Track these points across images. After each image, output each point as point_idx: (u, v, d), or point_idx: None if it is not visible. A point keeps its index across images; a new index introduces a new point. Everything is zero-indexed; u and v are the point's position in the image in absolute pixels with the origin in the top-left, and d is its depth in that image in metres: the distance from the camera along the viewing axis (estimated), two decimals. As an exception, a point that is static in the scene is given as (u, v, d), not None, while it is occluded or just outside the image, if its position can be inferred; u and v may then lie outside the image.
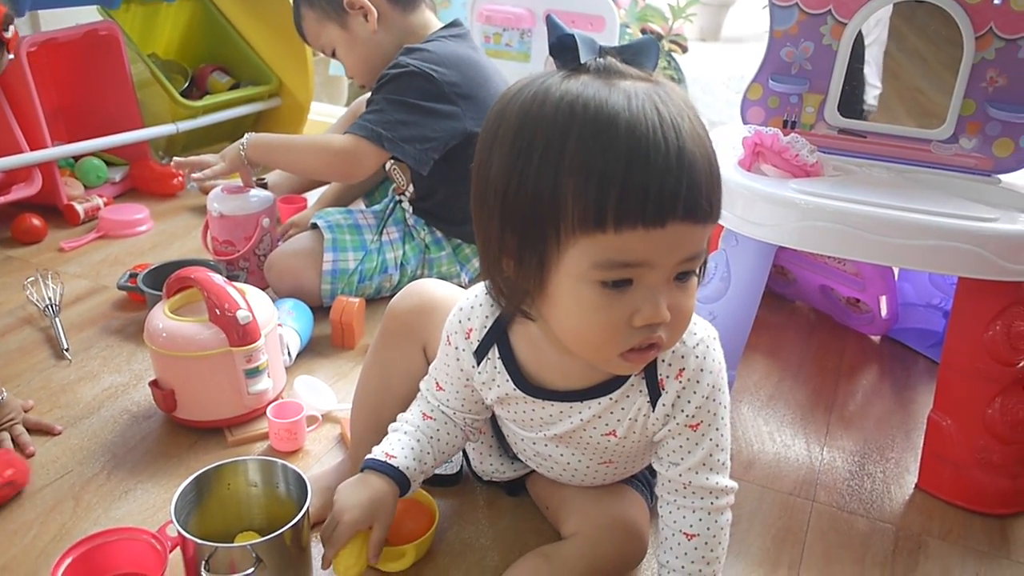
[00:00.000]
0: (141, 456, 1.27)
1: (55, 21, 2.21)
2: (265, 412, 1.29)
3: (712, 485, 0.95)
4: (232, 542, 1.02)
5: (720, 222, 1.27)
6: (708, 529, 0.95)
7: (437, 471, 1.19)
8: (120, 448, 1.28)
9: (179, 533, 0.95)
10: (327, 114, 2.73)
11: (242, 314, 1.24)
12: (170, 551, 1.00)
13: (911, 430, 1.46)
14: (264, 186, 1.85)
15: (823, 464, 1.36)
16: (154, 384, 1.31)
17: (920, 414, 1.50)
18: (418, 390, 1.10)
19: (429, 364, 1.09)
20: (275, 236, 1.74)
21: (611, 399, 0.94)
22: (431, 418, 1.06)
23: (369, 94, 1.69)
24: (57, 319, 1.58)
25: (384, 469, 1.01)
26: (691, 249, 0.78)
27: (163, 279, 1.59)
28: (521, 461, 1.14)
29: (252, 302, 1.30)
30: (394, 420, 1.08)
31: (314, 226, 1.69)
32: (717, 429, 0.94)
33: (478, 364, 0.98)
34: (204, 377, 1.27)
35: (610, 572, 1.05)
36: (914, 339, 1.73)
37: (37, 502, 1.17)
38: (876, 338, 1.77)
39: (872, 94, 1.86)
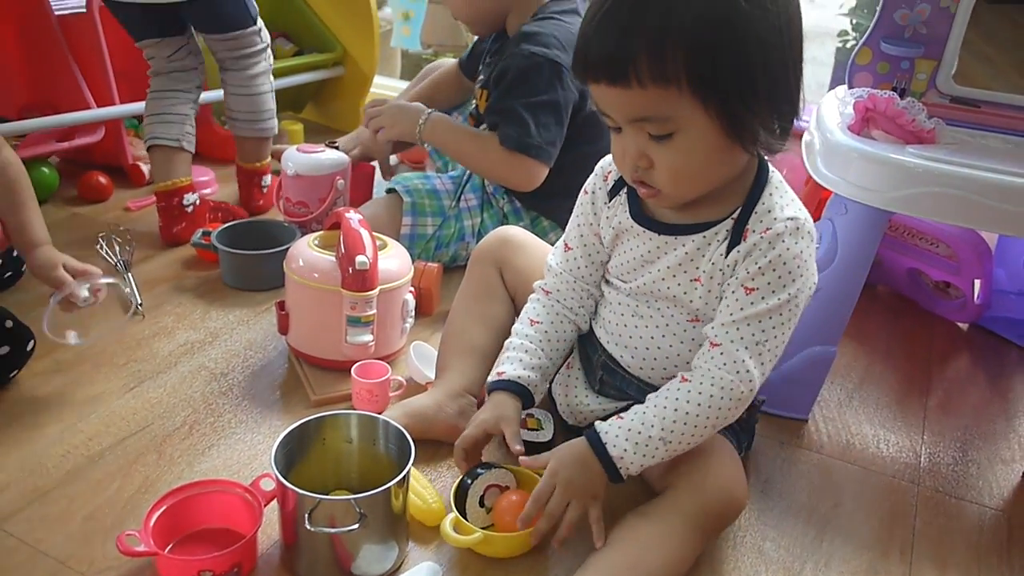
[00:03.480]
0: (222, 412, 1.23)
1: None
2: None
3: (734, 352, 0.96)
4: (328, 498, 0.98)
5: (831, 188, 1.23)
6: (700, 384, 0.96)
7: (530, 439, 1.16)
8: (200, 404, 1.24)
9: (279, 483, 0.91)
10: (383, 86, 2.70)
11: (360, 259, 1.21)
12: (264, 505, 0.96)
13: (1012, 417, 1.40)
14: (336, 148, 1.80)
15: (924, 448, 1.30)
16: (279, 304, 1.35)
17: (1019, 402, 1.45)
18: (496, 316, 1.23)
19: (507, 288, 1.25)
20: (347, 198, 1.70)
21: (703, 237, 0.99)
22: (538, 322, 1.13)
23: (443, 62, 1.64)
24: (129, 275, 1.55)
25: (498, 386, 1.08)
26: (627, 110, 0.90)
27: (238, 238, 1.57)
28: (606, 396, 1.14)
29: (385, 257, 1.30)
30: (473, 338, 1.22)
31: (390, 191, 1.65)
32: (767, 305, 0.95)
33: (610, 200, 1.08)
34: (311, 309, 1.30)
35: (710, 524, 1.00)
36: (1005, 328, 1.66)
37: (119, 453, 1.13)
38: (964, 326, 1.70)
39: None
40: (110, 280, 1.26)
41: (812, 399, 1.33)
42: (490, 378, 1.11)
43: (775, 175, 1.01)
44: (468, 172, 1.72)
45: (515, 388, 1.08)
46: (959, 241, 1.56)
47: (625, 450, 0.96)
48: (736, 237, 0.98)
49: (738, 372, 0.96)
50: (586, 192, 1.12)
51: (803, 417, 1.33)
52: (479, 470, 1.03)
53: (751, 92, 0.88)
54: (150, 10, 1.64)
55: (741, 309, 0.96)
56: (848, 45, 2.84)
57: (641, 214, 1.05)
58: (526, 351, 1.11)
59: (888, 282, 1.79)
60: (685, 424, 0.96)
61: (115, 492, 1.07)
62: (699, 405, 0.96)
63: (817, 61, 4.39)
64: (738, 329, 0.96)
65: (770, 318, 0.96)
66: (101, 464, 1.11)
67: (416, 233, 1.61)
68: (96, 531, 1.00)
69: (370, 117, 1.68)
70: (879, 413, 1.38)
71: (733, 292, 0.98)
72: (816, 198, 1.53)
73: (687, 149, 0.91)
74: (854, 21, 2.85)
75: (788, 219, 0.96)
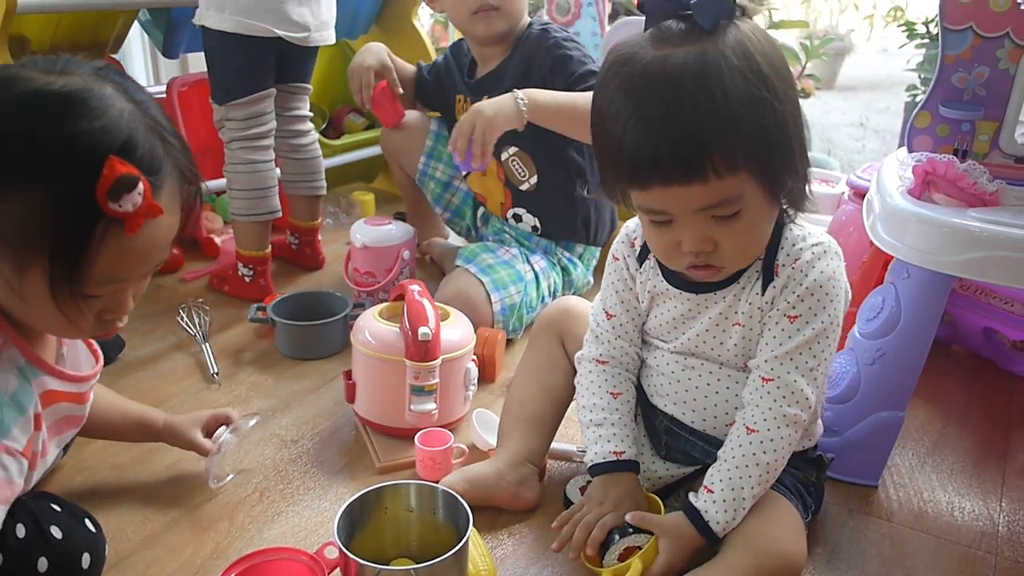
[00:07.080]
0: (291, 479, 1.27)
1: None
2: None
3: (792, 383, 1.02)
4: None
5: (890, 252, 1.22)
6: (768, 430, 1.02)
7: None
8: (270, 471, 1.29)
9: (341, 553, 0.94)
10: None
11: (423, 330, 1.25)
12: (328, 573, 0.99)
13: (1098, 484, 1.34)
14: (403, 219, 1.87)
15: (1003, 516, 1.25)
16: (347, 374, 1.38)
17: (1107, 467, 1.38)
18: (557, 386, 1.25)
19: (568, 358, 1.25)
20: (413, 268, 1.75)
21: (739, 285, 1.05)
22: (619, 393, 1.15)
23: None
24: (206, 345, 1.62)
25: (623, 467, 1.11)
26: (698, 203, 0.93)
27: (292, 310, 1.63)
28: (673, 462, 1.16)
29: (448, 327, 1.33)
30: (535, 408, 1.24)
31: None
32: (813, 330, 1.01)
33: (640, 265, 1.13)
34: (376, 379, 1.34)
35: None
36: (1090, 388, 1.60)
37: (194, 520, 1.18)
38: (1045, 386, 1.65)
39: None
40: (250, 420, 1.28)
41: (881, 465, 1.30)
42: (604, 457, 1.12)
43: (788, 211, 1.06)
44: (528, 237, 1.75)
45: (634, 468, 1.12)
46: (1034, 300, 1.52)
47: (727, 521, 1.02)
48: (768, 274, 1.04)
49: (797, 401, 1.03)
50: (616, 258, 1.16)
51: (872, 483, 1.30)
52: (616, 534, 1.06)
53: (792, 162, 0.97)
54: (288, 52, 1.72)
55: (789, 338, 1.02)
56: (917, 99, 2.81)
57: (674, 276, 1.09)
58: (625, 425, 1.14)
59: (963, 342, 1.74)
60: (768, 473, 1.03)
61: (189, 557, 1.11)
62: (775, 451, 1.02)
63: (891, 111, 4.36)
64: (791, 359, 1.03)
65: (818, 343, 1.03)
66: (176, 530, 1.16)
67: (506, 305, 1.64)
68: (170, 596, 1.04)
69: (465, 134, 1.50)
70: (953, 479, 1.34)
71: (777, 323, 1.03)
72: (880, 261, 1.51)
73: (750, 222, 0.97)
74: (921, 76, 2.82)
75: (814, 245, 1.03)
